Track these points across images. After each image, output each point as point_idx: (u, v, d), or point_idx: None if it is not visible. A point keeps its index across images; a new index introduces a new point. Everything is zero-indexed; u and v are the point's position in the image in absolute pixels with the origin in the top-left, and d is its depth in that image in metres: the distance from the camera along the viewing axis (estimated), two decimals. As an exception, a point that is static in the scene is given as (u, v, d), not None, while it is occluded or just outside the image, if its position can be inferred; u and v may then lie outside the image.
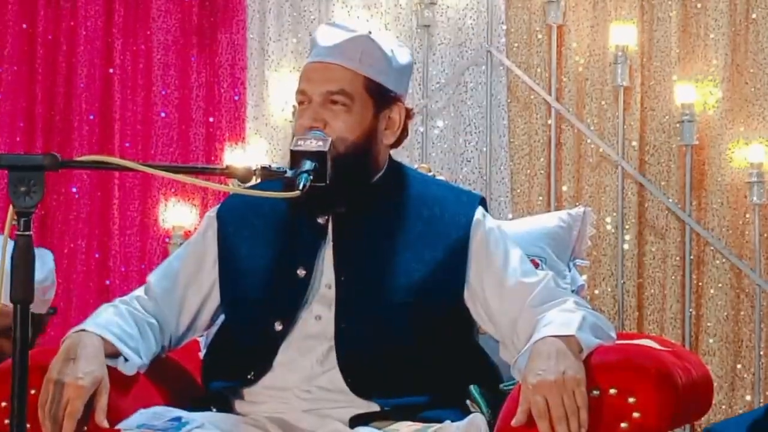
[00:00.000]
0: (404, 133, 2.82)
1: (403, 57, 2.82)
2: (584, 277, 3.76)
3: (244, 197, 2.79)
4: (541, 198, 5.16)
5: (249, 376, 2.71)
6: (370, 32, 2.80)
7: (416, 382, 2.67)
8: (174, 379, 2.89)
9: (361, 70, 2.74)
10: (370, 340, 2.67)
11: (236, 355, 2.75)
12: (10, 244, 2.35)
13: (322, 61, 2.76)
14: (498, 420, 2.61)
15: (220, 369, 2.78)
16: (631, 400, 2.48)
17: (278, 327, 2.71)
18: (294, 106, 4.07)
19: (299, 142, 2.62)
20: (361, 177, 2.76)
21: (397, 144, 2.83)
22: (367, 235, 2.75)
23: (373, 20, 5.27)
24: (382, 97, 2.76)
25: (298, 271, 2.74)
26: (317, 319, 2.72)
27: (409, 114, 2.83)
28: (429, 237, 2.75)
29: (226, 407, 2.72)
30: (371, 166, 2.78)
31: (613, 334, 2.67)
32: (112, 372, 2.66)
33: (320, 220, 2.77)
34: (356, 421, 2.62)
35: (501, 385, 2.77)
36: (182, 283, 2.85)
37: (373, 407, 2.64)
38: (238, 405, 2.73)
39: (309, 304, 2.73)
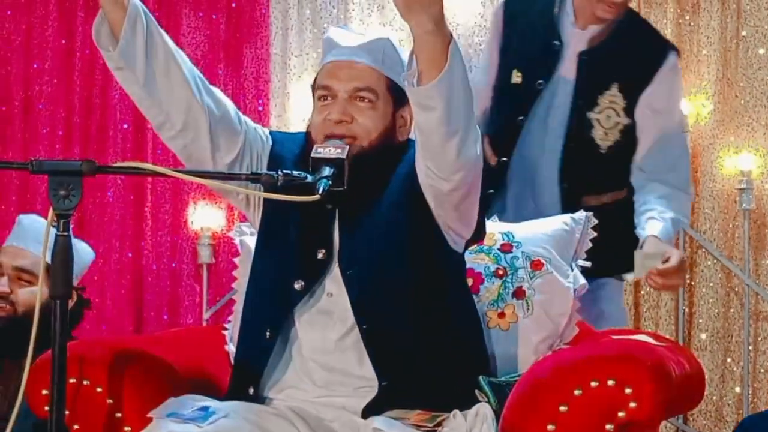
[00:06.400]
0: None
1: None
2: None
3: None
4: (544, 203, 5.13)
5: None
6: (388, 37, 2.80)
7: (426, 365, 2.63)
8: (201, 370, 2.90)
9: (383, 70, 2.74)
10: (384, 312, 2.63)
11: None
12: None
13: (347, 59, 2.75)
14: (504, 409, 2.61)
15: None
16: (627, 390, 2.48)
17: (298, 286, 2.67)
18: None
19: (319, 150, 2.62)
20: (378, 172, 2.70)
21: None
22: (366, 212, 2.70)
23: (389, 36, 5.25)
24: (399, 97, 2.72)
25: (319, 255, 2.69)
26: (329, 295, 2.68)
27: None
28: (397, 196, 2.70)
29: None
30: (388, 161, 2.73)
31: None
32: (144, 368, 2.67)
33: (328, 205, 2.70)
34: (369, 411, 2.58)
35: (503, 378, 2.75)
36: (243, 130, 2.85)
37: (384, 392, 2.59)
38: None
39: (322, 283, 2.68)
